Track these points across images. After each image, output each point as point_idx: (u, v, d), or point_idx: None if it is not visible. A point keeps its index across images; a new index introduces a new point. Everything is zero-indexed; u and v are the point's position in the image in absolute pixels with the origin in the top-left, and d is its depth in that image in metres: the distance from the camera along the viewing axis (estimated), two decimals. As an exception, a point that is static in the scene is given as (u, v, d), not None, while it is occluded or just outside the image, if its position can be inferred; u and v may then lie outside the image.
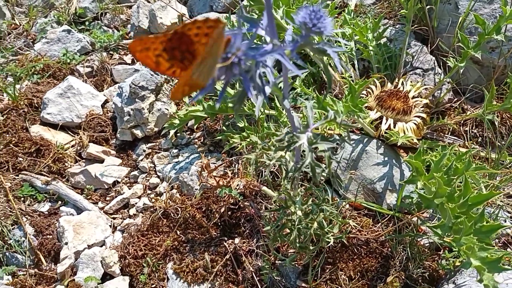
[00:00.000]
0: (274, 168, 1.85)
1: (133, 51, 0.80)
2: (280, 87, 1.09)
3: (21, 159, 2.10)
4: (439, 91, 2.04)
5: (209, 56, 0.79)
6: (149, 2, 2.96)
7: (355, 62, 2.09)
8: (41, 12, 3.04)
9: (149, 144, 2.19)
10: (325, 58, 1.19)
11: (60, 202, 2.01)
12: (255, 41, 0.86)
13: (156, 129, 2.21)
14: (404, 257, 1.61)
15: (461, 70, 1.94)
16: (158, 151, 2.16)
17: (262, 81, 0.89)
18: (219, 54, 0.81)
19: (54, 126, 2.26)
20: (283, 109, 1.86)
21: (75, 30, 2.78)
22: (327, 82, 1.02)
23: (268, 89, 0.92)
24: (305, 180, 1.85)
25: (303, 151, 1.14)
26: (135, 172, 2.12)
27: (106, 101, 2.41)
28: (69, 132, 2.28)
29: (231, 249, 1.74)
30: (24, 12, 3.07)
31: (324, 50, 0.95)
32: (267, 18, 0.94)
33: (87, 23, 2.92)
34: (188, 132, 2.21)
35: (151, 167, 2.12)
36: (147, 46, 0.79)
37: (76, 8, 2.93)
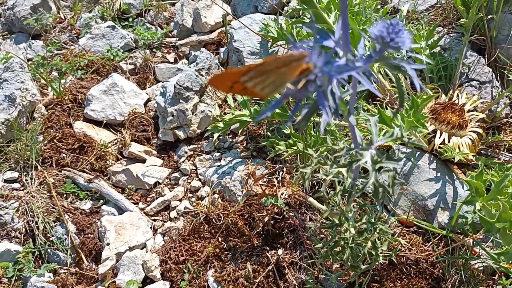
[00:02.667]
0: (315, 180, 1.79)
1: (212, 84, 0.81)
2: (346, 101, 1.03)
3: (64, 155, 2.10)
4: (496, 105, 1.95)
5: (277, 77, 0.77)
6: (193, 0, 2.94)
7: (407, 70, 2.00)
8: (85, 7, 3.05)
9: (191, 146, 2.16)
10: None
11: (101, 201, 2.00)
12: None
13: (198, 131, 2.18)
14: (457, 280, 1.53)
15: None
16: (200, 153, 2.13)
17: (334, 98, 0.84)
18: (290, 78, 0.78)
19: (97, 122, 2.26)
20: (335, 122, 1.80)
21: (119, 26, 2.77)
22: (399, 99, 0.96)
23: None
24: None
25: (362, 167, 1.08)
26: (176, 174, 2.09)
27: (148, 100, 2.39)
28: (111, 129, 2.28)
29: (274, 260, 1.70)
30: (69, 6, 3.08)
31: (400, 66, 0.89)
32: (341, 30, 0.88)
33: (130, 19, 2.91)
34: (231, 136, 2.17)
35: (192, 169, 2.09)
36: (225, 78, 0.78)
37: (120, 4, 2.92)
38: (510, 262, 1.34)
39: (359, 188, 1.08)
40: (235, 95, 2.15)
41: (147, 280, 1.74)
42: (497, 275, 1.57)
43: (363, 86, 0.96)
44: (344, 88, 1.01)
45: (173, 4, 3.04)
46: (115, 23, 2.79)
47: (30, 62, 2.51)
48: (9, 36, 2.78)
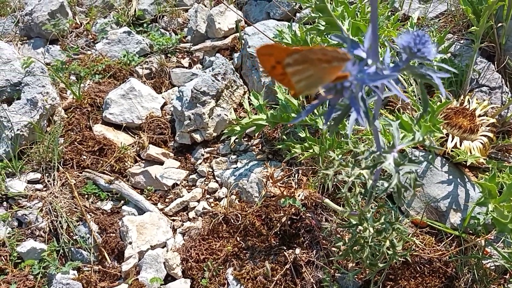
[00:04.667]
0: (335, 181, 1.85)
1: (259, 53, 0.83)
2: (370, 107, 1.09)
3: (84, 157, 2.16)
4: (506, 111, 2.01)
5: (318, 72, 0.82)
6: (206, 6, 3.00)
7: (418, 76, 2.07)
8: (100, 12, 3.12)
9: (208, 149, 2.22)
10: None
11: (122, 202, 2.06)
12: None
13: (215, 134, 2.24)
14: (470, 279, 1.59)
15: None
16: (216, 156, 2.19)
17: (365, 103, 0.90)
18: (328, 78, 0.83)
19: (115, 125, 2.32)
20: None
21: (134, 32, 2.84)
22: (424, 106, 1.02)
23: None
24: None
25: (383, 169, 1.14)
26: (194, 176, 2.15)
27: (165, 104, 2.46)
28: (129, 133, 2.34)
29: (291, 259, 1.75)
30: (85, 11, 3.15)
31: (426, 75, 0.95)
32: (371, 39, 0.94)
33: (145, 25, 2.97)
34: (246, 139, 2.23)
35: (209, 171, 2.15)
36: (272, 52, 0.82)
37: (135, 10, 2.99)
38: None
39: (383, 189, 1.14)
40: (250, 100, 2.21)
41: (169, 277, 1.80)
42: (508, 274, 1.62)
43: (387, 92, 1.02)
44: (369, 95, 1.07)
45: (186, 10, 3.10)
46: (130, 29, 2.86)
47: (48, 67, 2.57)
48: (27, 41, 2.85)
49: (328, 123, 0.94)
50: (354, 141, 1.60)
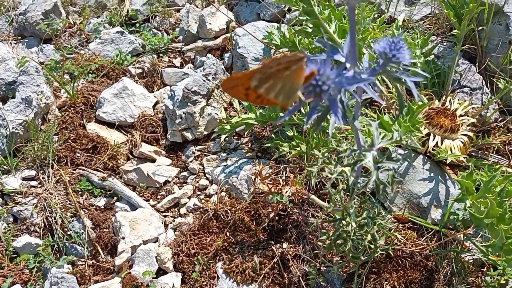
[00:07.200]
0: (320, 178, 1.92)
1: (225, 88, 0.91)
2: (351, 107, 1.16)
3: (78, 154, 2.21)
4: (486, 111, 2.09)
5: (285, 82, 0.89)
6: (197, 7, 3.06)
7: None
8: (93, 12, 3.16)
9: (198, 147, 2.28)
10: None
11: (115, 198, 2.12)
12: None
13: (205, 132, 2.30)
14: (449, 272, 1.67)
15: (512, 93, 1.98)
16: (207, 154, 2.25)
17: (343, 105, 0.97)
18: (298, 83, 0.89)
19: (108, 124, 2.38)
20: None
21: (127, 32, 2.89)
22: (400, 107, 1.09)
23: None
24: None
25: (363, 167, 1.21)
26: (185, 173, 2.21)
27: (157, 103, 2.51)
28: (122, 131, 2.39)
29: (279, 253, 1.82)
30: (78, 11, 3.20)
31: (400, 78, 1.02)
32: (349, 45, 1.01)
33: (137, 24, 3.03)
34: (236, 137, 2.29)
35: (200, 169, 2.21)
36: (235, 83, 0.89)
37: (128, 10, 3.04)
38: (497, 254, 1.47)
39: (362, 185, 1.21)
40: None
41: (161, 271, 1.87)
42: (485, 267, 1.70)
43: (367, 94, 1.09)
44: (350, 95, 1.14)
45: (178, 10, 3.16)
46: (123, 29, 2.91)
47: (42, 65, 2.62)
48: (21, 40, 2.89)
49: (310, 122, 1.01)
50: (337, 139, 1.67)
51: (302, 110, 1.92)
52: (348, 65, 1.02)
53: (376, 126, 1.24)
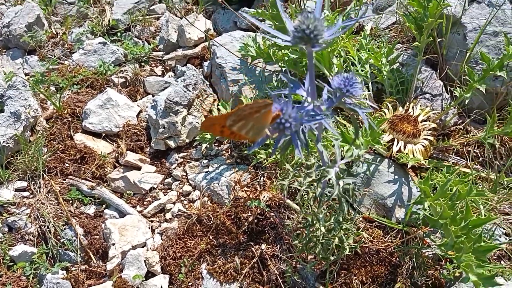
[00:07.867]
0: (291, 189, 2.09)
1: (203, 127, 1.08)
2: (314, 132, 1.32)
3: (67, 165, 2.34)
4: (446, 115, 2.26)
5: (255, 122, 1.05)
6: (176, 16, 3.18)
7: (370, 84, 2.31)
8: (75, 22, 3.26)
9: (181, 154, 2.43)
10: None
11: (104, 206, 2.25)
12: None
13: (187, 140, 2.44)
14: (410, 266, 1.85)
15: (467, 101, 2.14)
16: (189, 160, 2.40)
17: (305, 136, 1.12)
18: (265, 123, 1.06)
19: (95, 134, 2.50)
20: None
21: (109, 41, 3.00)
22: (355, 133, 1.25)
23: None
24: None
25: (330, 179, 1.37)
26: (169, 180, 2.36)
27: (140, 111, 2.64)
28: (108, 140, 2.52)
29: (258, 254, 1.99)
30: (60, 21, 3.29)
31: (354, 109, 1.18)
32: (309, 82, 1.16)
33: (119, 34, 3.13)
34: (217, 144, 2.44)
35: (183, 175, 2.36)
36: (213, 122, 1.06)
37: (109, 20, 3.15)
38: (451, 250, 1.65)
39: (327, 197, 1.38)
40: (219, 106, 2.43)
41: (149, 274, 2.02)
42: (443, 261, 1.89)
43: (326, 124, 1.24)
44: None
45: (158, 18, 3.27)
46: (105, 38, 3.02)
47: (27, 77, 2.72)
48: (5, 52, 2.98)
49: (276, 150, 1.17)
50: (305, 154, 1.83)
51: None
52: (309, 99, 1.17)
53: (338, 144, 1.40)
